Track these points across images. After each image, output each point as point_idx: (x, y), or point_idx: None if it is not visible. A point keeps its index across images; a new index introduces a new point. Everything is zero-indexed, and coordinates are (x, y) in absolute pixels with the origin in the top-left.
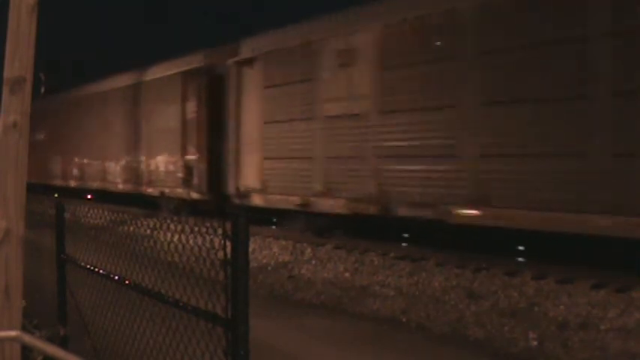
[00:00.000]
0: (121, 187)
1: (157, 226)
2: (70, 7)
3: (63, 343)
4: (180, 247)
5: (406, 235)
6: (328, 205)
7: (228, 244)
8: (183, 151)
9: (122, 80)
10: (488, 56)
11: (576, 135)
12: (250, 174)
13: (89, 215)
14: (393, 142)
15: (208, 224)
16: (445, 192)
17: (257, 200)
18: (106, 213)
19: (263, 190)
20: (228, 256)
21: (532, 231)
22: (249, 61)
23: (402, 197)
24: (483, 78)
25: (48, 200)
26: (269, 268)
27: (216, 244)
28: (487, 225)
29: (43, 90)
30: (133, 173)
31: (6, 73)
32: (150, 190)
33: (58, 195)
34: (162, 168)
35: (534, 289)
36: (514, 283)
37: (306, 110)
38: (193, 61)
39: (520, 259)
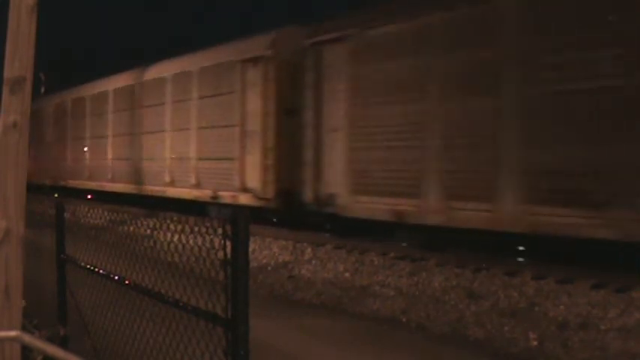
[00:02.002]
0: None
1: (157, 226)
2: (69, 6)
3: (63, 343)
4: (180, 247)
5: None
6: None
7: (228, 244)
8: None
9: None
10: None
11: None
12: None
13: (89, 215)
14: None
15: (208, 224)
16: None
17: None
18: (105, 213)
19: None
20: (228, 256)
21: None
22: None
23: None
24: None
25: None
26: (269, 268)
27: (216, 244)
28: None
29: (43, 90)
30: None
31: (6, 73)
32: None
33: None
34: None
35: (534, 289)
36: (514, 283)
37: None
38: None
39: (520, 259)
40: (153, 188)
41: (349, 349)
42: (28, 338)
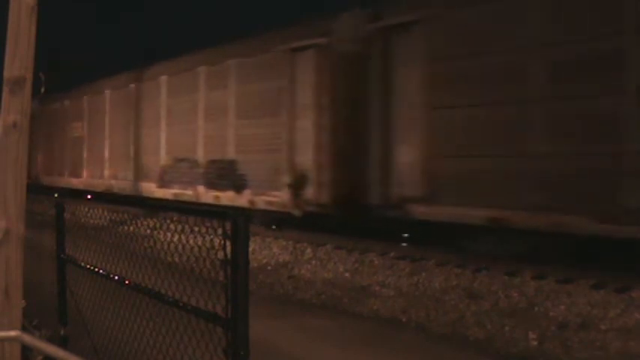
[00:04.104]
0: None
1: (157, 226)
2: (70, 5)
3: (63, 343)
4: (180, 247)
5: (406, 235)
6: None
7: (228, 244)
8: None
9: None
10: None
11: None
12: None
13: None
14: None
15: (208, 224)
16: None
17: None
18: (105, 213)
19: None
20: (228, 256)
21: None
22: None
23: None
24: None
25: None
26: (269, 268)
27: (217, 244)
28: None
29: (43, 90)
30: None
31: (6, 73)
32: None
33: None
34: None
35: (534, 289)
36: (514, 283)
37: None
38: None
39: (520, 259)
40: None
41: (349, 349)
42: (28, 338)
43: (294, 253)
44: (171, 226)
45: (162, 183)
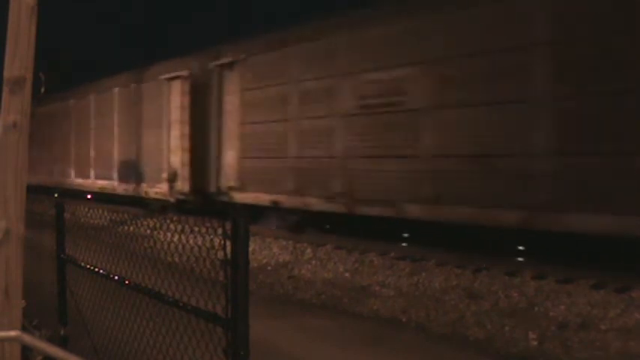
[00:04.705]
0: None
1: (157, 226)
2: (70, 5)
3: (63, 343)
4: (180, 247)
5: (406, 235)
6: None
7: (228, 244)
8: None
9: None
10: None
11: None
12: None
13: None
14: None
15: (208, 224)
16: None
17: None
18: (105, 213)
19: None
20: (228, 256)
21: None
22: None
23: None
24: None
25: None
26: (269, 268)
27: (217, 244)
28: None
29: (43, 90)
30: None
31: (6, 73)
32: None
33: None
34: None
35: (534, 289)
36: (514, 283)
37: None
38: None
39: (520, 259)
40: None
41: (349, 350)
42: (28, 338)
43: (294, 253)
44: (171, 226)
45: (93, 179)
